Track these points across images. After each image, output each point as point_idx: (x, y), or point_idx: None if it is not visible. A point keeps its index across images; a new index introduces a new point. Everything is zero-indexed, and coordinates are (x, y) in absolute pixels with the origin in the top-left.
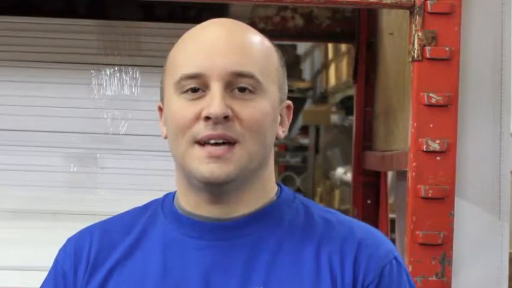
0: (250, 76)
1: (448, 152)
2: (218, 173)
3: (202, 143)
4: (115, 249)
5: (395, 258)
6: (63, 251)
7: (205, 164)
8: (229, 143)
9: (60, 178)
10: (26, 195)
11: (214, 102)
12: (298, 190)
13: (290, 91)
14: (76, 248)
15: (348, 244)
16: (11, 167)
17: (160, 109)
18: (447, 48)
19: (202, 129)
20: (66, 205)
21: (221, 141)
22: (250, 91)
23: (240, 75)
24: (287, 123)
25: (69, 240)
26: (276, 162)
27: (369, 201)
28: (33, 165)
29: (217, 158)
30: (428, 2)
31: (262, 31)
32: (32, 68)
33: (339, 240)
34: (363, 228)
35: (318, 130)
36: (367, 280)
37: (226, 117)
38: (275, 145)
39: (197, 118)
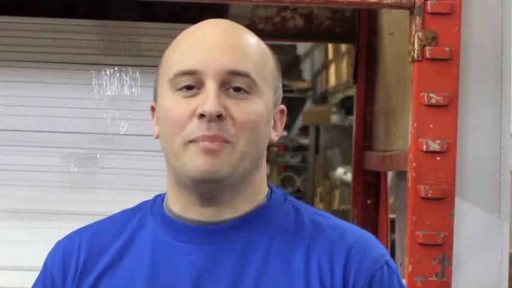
0: (246, 75)
1: (448, 152)
2: (210, 169)
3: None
4: (104, 254)
5: (387, 262)
6: (51, 255)
7: (197, 159)
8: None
9: (60, 178)
10: (26, 195)
11: (209, 100)
12: (298, 190)
13: (290, 91)
14: (64, 253)
15: (337, 249)
16: (11, 167)
17: (153, 109)
18: (447, 48)
19: (195, 129)
20: (66, 205)
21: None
22: (245, 91)
23: (236, 73)
24: (280, 128)
25: (58, 243)
26: (275, 162)
27: (369, 202)
28: (33, 165)
29: (210, 153)
30: (428, 2)
31: (262, 31)
32: (32, 68)
33: (329, 244)
34: (354, 232)
35: (318, 130)
36: (358, 285)
37: (219, 116)
38: (274, 145)
39: (191, 116)
